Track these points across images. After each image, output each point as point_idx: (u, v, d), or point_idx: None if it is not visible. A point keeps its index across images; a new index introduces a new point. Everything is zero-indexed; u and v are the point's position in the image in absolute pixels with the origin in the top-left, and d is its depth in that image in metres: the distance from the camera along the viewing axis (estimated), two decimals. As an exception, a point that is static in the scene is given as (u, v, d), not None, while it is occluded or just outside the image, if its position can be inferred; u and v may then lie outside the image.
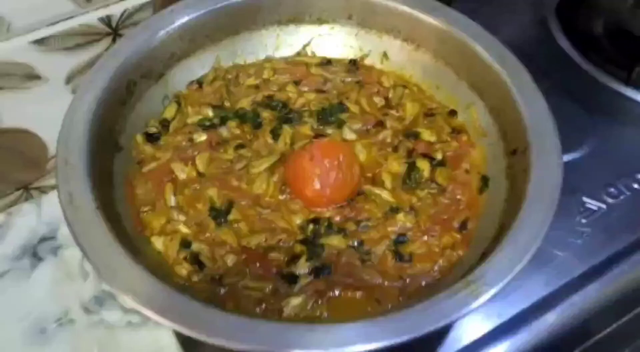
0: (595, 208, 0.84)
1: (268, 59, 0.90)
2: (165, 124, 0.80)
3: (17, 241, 0.90)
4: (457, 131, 0.81)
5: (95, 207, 0.62)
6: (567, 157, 0.87)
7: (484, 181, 0.75)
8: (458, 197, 0.74)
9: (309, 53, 0.91)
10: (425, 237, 0.70)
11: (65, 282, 0.86)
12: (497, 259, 0.60)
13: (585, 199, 0.85)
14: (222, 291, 0.65)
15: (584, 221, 0.83)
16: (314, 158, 0.72)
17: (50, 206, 0.93)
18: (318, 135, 0.79)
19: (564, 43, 1.06)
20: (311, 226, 0.70)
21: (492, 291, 0.56)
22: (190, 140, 0.78)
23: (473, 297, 0.56)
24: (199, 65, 0.86)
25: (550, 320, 0.76)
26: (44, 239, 0.90)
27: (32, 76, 0.89)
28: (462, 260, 0.68)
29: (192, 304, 0.56)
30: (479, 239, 0.69)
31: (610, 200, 0.85)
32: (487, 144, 0.78)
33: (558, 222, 0.81)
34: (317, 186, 0.71)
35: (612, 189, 0.86)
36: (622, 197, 0.85)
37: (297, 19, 0.89)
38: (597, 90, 0.99)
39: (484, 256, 0.64)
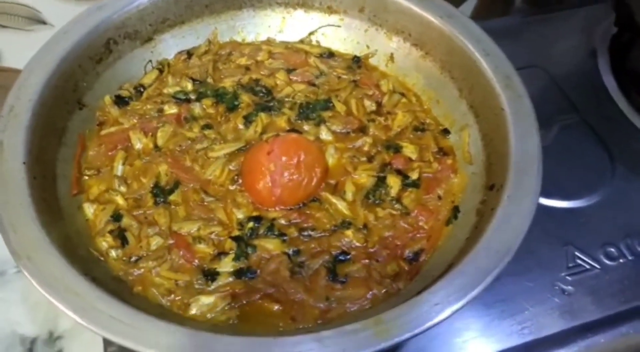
0: (587, 266, 0.74)
1: (268, 41, 0.85)
2: (140, 89, 0.77)
3: None
4: (443, 152, 0.73)
5: (22, 161, 0.59)
6: (570, 203, 0.79)
7: (455, 212, 0.68)
8: (421, 224, 0.67)
9: (314, 42, 0.85)
10: (369, 261, 0.64)
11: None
12: (421, 302, 0.53)
13: (577, 253, 0.75)
14: (136, 272, 0.61)
15: (569, 278, 0.73)
16: (271, 153, 0.66)
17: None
18: (292, 129, 0.74)
19: (608, 80, 0.95)
20: (251, 224, 0.65)
21: (397, 339, 0.50)
22: (160, 110, 0.74)
23: (378, 339, 0.50)
24: (194, 36, 0.82)
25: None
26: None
27: (37, 20, 0.88)
28: (401, 293, 0.61)
29: (90, 288, 0.53)
30: (427, 274, 0.62)
31: (606, 261, 0.74)
32: (470, 172, 0.70)
33: (537, 273, 0.75)
34: (268, 183, 0.66)
35: (612, 249, 0.75)
36: (621, 260, 0.75)
37: (306, 4, 0.83)
38: (629, 138, 0.87)
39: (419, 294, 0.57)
